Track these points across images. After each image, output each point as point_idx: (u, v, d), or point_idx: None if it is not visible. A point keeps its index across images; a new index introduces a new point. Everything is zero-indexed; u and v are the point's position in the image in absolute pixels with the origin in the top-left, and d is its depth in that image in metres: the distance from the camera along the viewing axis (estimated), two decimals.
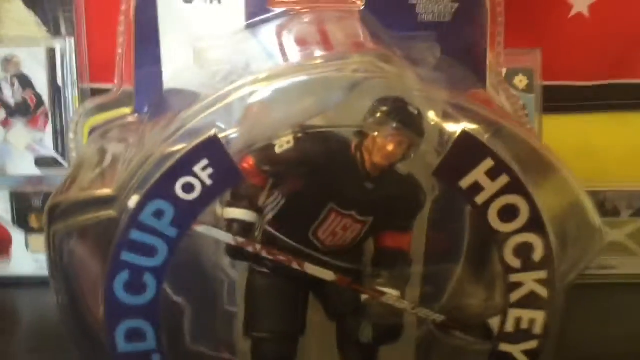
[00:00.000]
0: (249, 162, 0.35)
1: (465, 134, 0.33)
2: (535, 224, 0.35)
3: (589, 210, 0.37)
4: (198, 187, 0.33)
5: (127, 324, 0.35)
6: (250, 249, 0.35)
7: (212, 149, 0.33)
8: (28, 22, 0.78)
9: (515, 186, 0.34)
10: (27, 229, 0.79)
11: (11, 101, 0.77)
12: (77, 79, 0.77)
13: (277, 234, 0.37)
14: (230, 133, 0.34)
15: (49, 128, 0.78)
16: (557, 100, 0.77)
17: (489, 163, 0.34)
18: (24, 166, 0.79)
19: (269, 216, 0.37)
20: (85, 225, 0.34)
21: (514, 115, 0.44)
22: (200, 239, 0.39)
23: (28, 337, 0.68)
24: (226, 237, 0.35)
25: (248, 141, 0.34)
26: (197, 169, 0.33)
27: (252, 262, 0.37)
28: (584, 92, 0.78)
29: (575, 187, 0.37)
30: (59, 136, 0.78)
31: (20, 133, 0.78)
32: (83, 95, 0.78)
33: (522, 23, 0.75)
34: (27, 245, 0.79)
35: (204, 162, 0.33)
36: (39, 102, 0.77)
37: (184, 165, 0.33)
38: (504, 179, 0.34)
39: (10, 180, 0.79)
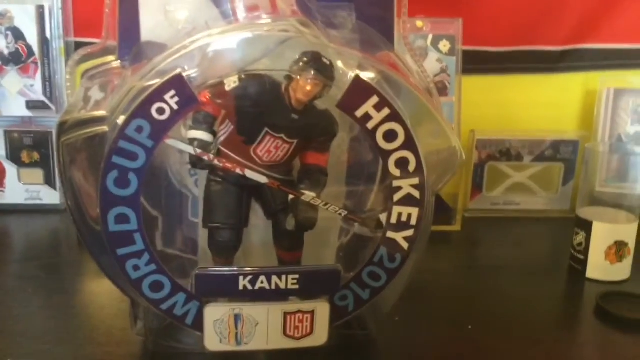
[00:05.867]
0: (205, 96, 0.46)
1: (357, 77, 0.45)
2: (409, 144, 0.47)
3: (452, 139, 0.50)
4: (168, 111, 0.44)
5: (116, 210, 0.46)
6: (206, 158, 0.48)
7: (178, 83, 0.44)
8: None
9: (394, 116, 0.46)
10: (19, 163, 0.90)
11: (5, 51, 0.87)
12: (62, 33, 0.87)
13: (227, 151, 0.49)
14: (191, 73, 0.45)
15: (39, 75, 0.87)
16: (476, 63, 0.90)
17: (375, 99, 0.46)
18: (16, 108, 0.89)
19: (222, 139, 0.49)
20: (85, 137, 0.45)
21: (416, 71, 0.56)
22: (171, 162, 0.50)
23: (18, 251, 0.81)
24: (188, 149, 0.47)
25: (204, 79, 0.45)
26: (167, 97, 0.44)
27: (208, 170, 0.49)
28: (498, 57, 0.91)
29: (442, 121, 0.49)
30: (47, 82, 0.88)
31: (13, 79, 0.88)
32: (68, 48, 0.88)
33: None
34: (19, 178, 0.90)
35: (172, 92, 0.44)
36: (30, 52, 0.87)
37: (158, 94, 0.44)
38: (386, 111, 0.46)
39: (4, 120, 0.90)
